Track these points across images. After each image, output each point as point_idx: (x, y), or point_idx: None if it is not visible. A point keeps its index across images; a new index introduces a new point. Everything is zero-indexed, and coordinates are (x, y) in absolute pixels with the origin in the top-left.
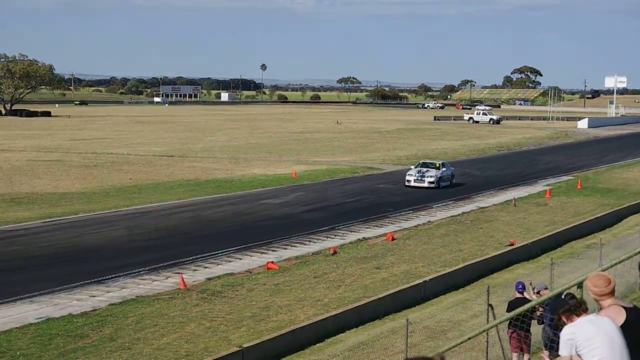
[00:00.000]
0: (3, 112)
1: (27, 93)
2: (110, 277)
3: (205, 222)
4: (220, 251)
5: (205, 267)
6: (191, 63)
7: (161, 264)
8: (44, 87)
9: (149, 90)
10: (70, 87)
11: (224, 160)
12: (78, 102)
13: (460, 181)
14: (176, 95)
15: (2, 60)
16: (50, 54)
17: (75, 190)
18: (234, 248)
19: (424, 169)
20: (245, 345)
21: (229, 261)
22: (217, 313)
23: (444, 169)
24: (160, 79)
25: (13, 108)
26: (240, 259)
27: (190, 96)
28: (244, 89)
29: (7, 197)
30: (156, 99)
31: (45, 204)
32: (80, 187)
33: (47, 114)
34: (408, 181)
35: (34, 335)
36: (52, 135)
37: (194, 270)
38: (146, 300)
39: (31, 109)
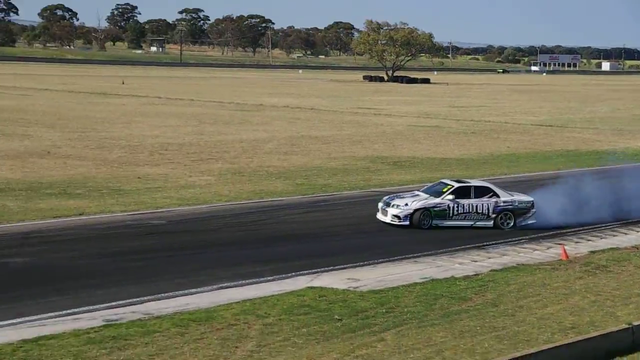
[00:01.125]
0: (385, 78)
1: (408, 60)
2: (491, 243)
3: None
4: (604, 225)
5: (588, 240)
6: (571, 31)
7: (542, 234)
8: (423, 54)
9: (526, 59)
10: (449, 55)
11: (605, 131)
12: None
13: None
14: (554, 65)
15: (385, 28)
16: (430, 23)
17: (454, 156)
18: (619, 222)
19: (407, 194)
20: (635, 323)
21: (614, 235)
22: (602, 287)
23: (450, 196)
24: (538, 47)
25: (395, 75)
26: (625, 234)
27: (568, 65)
28: (627, 58)
29: (390, 160)
30: (533, 68)
31: (425, 169)
32: (459, 154)
33: (427, 80)
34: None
35: (419, 294)
36: (431, 101)
37: (576, 242)
38: (527, 268)
39: (411, 76)
